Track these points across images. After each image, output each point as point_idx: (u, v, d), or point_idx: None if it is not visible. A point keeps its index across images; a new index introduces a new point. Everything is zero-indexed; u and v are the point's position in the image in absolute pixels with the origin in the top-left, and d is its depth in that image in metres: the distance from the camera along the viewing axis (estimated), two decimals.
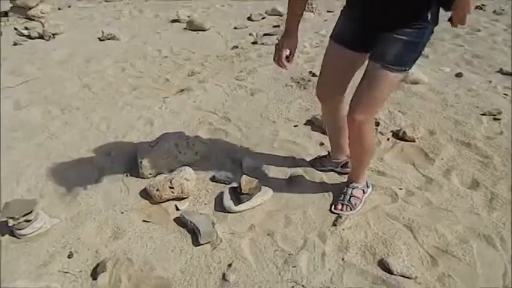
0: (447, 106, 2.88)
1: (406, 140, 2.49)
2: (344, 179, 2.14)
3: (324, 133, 2.59)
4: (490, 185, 2.10)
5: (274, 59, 1.81)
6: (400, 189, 2.11)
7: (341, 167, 2.22)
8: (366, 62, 1.72)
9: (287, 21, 1.78)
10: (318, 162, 2.30)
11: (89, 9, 5.90)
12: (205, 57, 4.00)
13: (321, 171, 2.26)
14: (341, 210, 1.96)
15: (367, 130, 1.80)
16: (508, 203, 1.98)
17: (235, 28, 4.86)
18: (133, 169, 2.32)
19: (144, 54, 4.14)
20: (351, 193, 2.00)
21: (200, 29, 4.81)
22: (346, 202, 1.97)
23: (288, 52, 1.77)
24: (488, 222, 1.88)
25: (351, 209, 1.96)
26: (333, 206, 1.99)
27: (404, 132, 2.50)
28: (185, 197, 2.10)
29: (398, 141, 2.50)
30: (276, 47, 1.79)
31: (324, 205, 2.03)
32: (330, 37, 1.83)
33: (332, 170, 2.24)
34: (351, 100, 1.76)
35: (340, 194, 2.02)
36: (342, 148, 2.16)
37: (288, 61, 1.78)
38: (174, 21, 5.19)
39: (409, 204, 2.01)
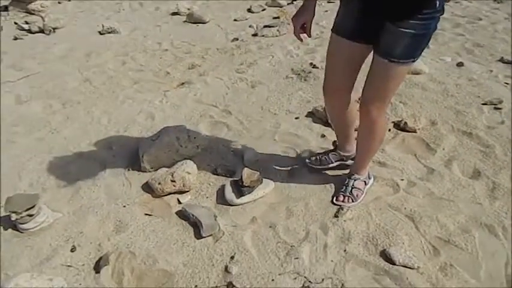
0: (448, 96, 2.86)
1: (408, 131, 2.48)
2: (346, 170, 2.14)
3: (325, 125, 2.59)
4: (492, 174, 2.10)
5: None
6: (402, 180, 2.11)
7: (351, 159, 2.16)
8: (371, 54, 1.68)
9: None
10: (325, 159, 2.18)
11: (89, 2, 5.87)
12: (205, 50, 3.98)
13: (330, 168, 2.17)
14: (342, 201, 1.96)
15: (381, 122, 1.80)
16: (510, 192, 1.97)
17: (235, 20, 4.83)
18: (135, 163, 2.32)
19: (144, 47, 4.12)
20: (353, 184, 1.99)
21: (200, 21, 4.78)
22: (347, 193, 1.97)
23: (302, 23, 1.70)
24: (490, 211, 1.88)
25: (352, 201, 1.96)
26: (335, 198, 1.99)
27: (405, 122, 2.49)
28: (187, 190, 2.11)
29: (399, 131, 2.50)
30: (292, 20, 1.73)
31: (325, 197, 2.03)
32: (331, 30, 1.76)
33: (342, 164, 2.17)
34: (362, 93, 1.74)
35: (341, 186, 2.02)
36: (352, 140, 2.12)
37: (304, 32, 1.73)
38: (174, 14, 5.15)
39: (410, 195, 2.01)
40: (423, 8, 1.45)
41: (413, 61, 1.62)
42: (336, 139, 2.21)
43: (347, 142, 2.13)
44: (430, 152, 2.32)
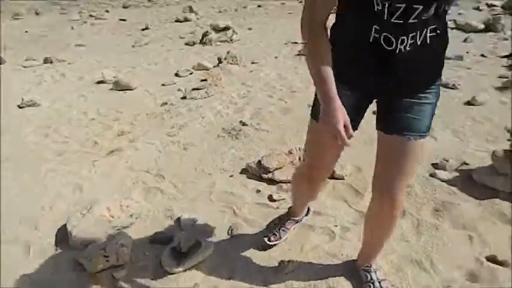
0: (368, 144, 3.08)
1: (336, 178, 2.62)
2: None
3: (258, 180, 2.65)
4: (415, 212, 2.26)
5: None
6: (336, 226, 2.19)
7: (305, 215, 2.13)
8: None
9: (321, 88, 1.31)
10: (278, 227, 2.06)
11: (7, 75, 5.65)
12: (134, 116, 3.96)
13: (284, 233, 2.07)
14: None
15: (401, 208, 1.63)
16: (431, 226, 2.13)
17: (163, 85, 4.90)
18: (63, 241, 2.17)
19: (68, 118, 4.00)
20: (378, 278, 1.79)
21: (127, 88, 4.79)
22: None
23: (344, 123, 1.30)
24: (417, 247, 2.00)
25: None
26: None
27: (333, 171, 2.63)
28: (122, 263, 1.99)
29: (329, 180, 2.62)
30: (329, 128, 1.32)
31: (266, 252, 2.03)
32: (311, 115, 1.61)
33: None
34: (382, 182, 1.59)
35: (366, 284, 1.79)
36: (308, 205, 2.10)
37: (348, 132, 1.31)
38: (99, 82, 5.12)
39: (345, 240, 2.08)
40: (438, 76, 1.44)
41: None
42: (291, 206, 2.11)
43: (304, 208, 2.10)
44: (358, 196, 2.45)
